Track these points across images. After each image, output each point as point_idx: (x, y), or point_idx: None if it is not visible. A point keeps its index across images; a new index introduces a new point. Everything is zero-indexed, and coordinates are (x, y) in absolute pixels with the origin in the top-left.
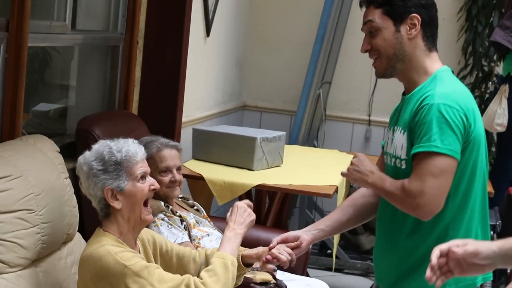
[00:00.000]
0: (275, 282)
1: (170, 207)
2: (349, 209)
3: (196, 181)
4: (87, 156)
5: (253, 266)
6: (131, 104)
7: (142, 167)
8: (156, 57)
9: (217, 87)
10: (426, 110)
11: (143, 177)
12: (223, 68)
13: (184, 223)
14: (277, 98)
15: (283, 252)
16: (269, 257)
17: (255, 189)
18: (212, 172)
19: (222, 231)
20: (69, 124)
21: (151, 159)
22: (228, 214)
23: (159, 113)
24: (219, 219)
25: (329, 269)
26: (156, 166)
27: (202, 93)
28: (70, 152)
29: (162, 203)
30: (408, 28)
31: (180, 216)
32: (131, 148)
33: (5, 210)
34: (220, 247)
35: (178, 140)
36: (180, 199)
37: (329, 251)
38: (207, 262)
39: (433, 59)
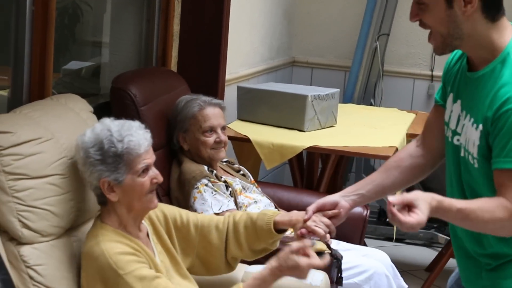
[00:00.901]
0: (330, 252)
1: (214, 171)
2: (394, 171)
3: (241, 144)
4: (85, 140)
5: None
6: (170, 60)
7: (145, 159)
8: (196, 8)
9: (264, 41)
10: (509, 117)
11: (145, 170)
12: (269, 21)
13: (230, 189)
14: (329, 53)
15: (320, 224)
16: (304, 231)
17: (306, 151)
18: (259, 134)
19: (271, 198)
20: (102, 83)
21: (193, 119)
22: (288, 255)
23: (200, 70)
24: (268, 185)
25: (389, 239)
26: (199, 126)
27: (247, 48)
28: (105, 112)
29: (206, 167)
30: (463, 4)
31: (225, 181)
32: (134, 138)
33: (36, 175)
34: (255, 279)
35: (222, 99)
36: (224, 163)
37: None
38: (236, 230)
39: (500, 29)
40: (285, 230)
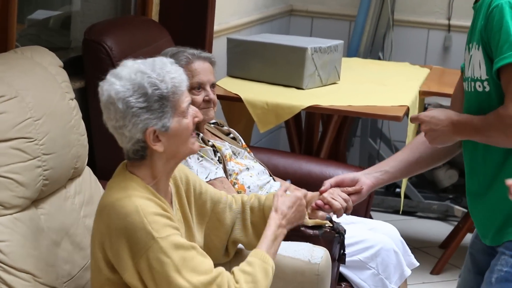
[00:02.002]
0: (331, 225)
1: (201, 135)
2: (421, 146)
3: (232, 104)
4: (119, 89)
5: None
6: (150, 8)
7: (188, 97)
8: None
9: None
10: (498, 12)
11: (187, 109)
12: None
13: (218, 154)
14: (331, 0)
15: (337, 197)
16: (319, 202)
17: (305, 112)
18: (252, 92)
19: (265, 164)
20: (73, 35)
21: None
22: (281, 199)
23: (185, 20)
24: (261, 150)
25: (398, 212)
26: None
27: None
28: (76, 68)
29: None
30: None
31: (213, 146)
32: (175, 75)
33: None
34: (262, 243)
35: (209, 53)
36: (212, 125)
37: (397, 189)
38: (243, 210)
39: None
40: None
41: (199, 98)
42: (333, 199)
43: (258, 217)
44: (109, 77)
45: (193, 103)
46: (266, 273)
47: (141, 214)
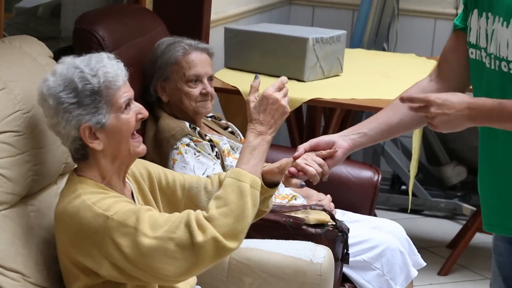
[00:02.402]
0: (333, 224)
1: (198, 129)
2: (402, 107)
3: (229, 97)
4: (51, 85)
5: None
6: None
7: (126, 92)
8: None
9: None
10: None
11: (127, 105)
12: None
13: (216, 149)
14: None
15: (311, 163)
16: (292, 169)
17: (306, 105)
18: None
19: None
20: (64, 25)
21: (176, 65)
22: (252, 104)
23: (181, 9)
24: None
25: (404, 210)
26: (182, 74)
27: None
28: None
29: (187, 123)
30: None
31: (210, 140)
32: (109, 69)
33: None
34: (239, 160)
35: (206, 43)
36: (209, 118)
37: (403, 186)
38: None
39: None
40: (277, 184)
41: (196, 91)
42: (307, 164)
43: None
44: (46, 74)
45: (190, 96)
46: (241, 191)
47: (88, 204)
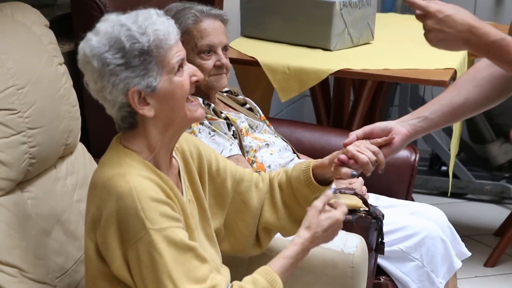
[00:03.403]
0: (366, 209)
1: (212, 105)
2: (468, 84)
3: (247, 69)
4: (94, 45)
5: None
6: None
7: (179, 52)
8: None
9: None
10: None
11: (180, 66)
12: None
13: (233, 128)
14: None
15: (364, 150)
16: (343, 157)
17: (333, 77)
18: (271, 55)
19: (287, 139)
20: None
21: (187, 34)
22: (315, 215)
23: None
24: (283, 123)
25: (445, 194)
26: (193, 44)
27: None
28: (64, 28)
29: (200, 99)
30: None
31: (226, 118)
32: (159, 27)
33: None
34: (277, 262)
35: (220, 9)
36: (225, 94)
37: (443, 167)
38: (272, 189)
39: None
40: (329, 181)
41: (209, 63)
42: (359, 152)
43: (288, 194)
44: (88, 33)
45: (202, 69)
46: None
47: (135, 197)
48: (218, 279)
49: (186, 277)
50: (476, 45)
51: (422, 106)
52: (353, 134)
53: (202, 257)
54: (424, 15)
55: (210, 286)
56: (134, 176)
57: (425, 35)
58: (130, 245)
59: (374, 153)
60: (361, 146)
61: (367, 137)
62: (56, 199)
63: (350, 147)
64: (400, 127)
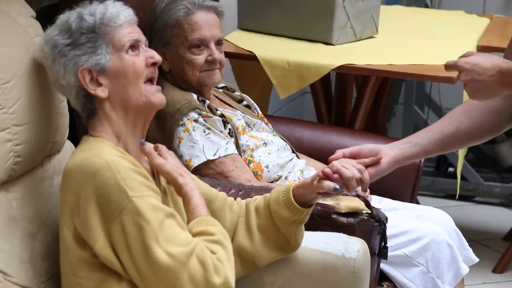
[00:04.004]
0: (369, 212)
1: (207, 102)
2: (460, 115)
3: (244, 64)
4: (48, 32)
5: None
6: None
7: (132, 33)
8: None
9: None
10: None
11: (133, 46)
12: None
13: (229, 126)
14: None
15: (350, 167)
16: (327, 170)
17: (335, 73)
18: (270, 49)
19: (286, 138)
20: None
21: (177, 27)
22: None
23: None
24: (282, 121)
25: (452, 197)
26: (184, 38)
27: None
28: (51, 19)
29: (195, 96)
30: None
31: (222, 115)
32: (110, 9)
33: None
34: (201, 208)
35: (217, 0)
36: (221, 90)
37: (450, 169)
38: (247, 212)
39: None
40: (310, 203)
41: (200, 58)
42: (344, 167)
43: (265, 217)
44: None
45: (193, 64)
46: (225, 235)
47: (113, 168)
48: (197, 240)
49: (172, 240)
50: (511, 84)
51: (416, 133)
52: (340, 152)
53: (183, 225)
54: (459, 72)
55: (194, 245)
56: (109, 154)
57: (465, 90)
58: (114, 219)
59: (359, 171)
60: (347, 163)
61: (353, 156)
62: (42, 199)
63: (335, 162)
64: (388, 149)
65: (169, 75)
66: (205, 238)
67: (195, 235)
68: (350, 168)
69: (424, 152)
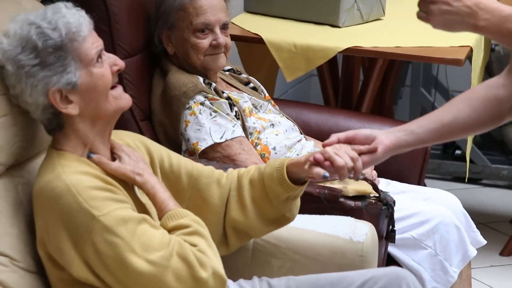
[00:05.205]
0: (377, 195)
1: (213, 84)
2: (460, 103)
3: (250, 47)
4: (6, 48)
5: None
6: None
7: (95, 43)
8: None
9: None
10: None
11: (99, 57)
12: None
13: (236, 108)
14: None
15: (343, 154)
16: (319, 156)
17: (342, 56)
18: (276, 32)
19: (292, 119)
20: None
21: (182, 11)
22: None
23: None
24: (289, 104)
25: (459, 179)
26: (189, 22)
27: None
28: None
29: (201, 78)
30: None
31: (228, 98)
32: (70, 19)
33: None
34: (169, 202)
35: None
36: (227, 72)
37: (458, 151)
38: (240, 186)
39: None
40: (305, 182)
41: (205, 42)
42: (337, 154)
43: (259, 191)
44: None
45: (197, 48)
46: (199, 222)
47: (73, 192)
48: (174, 237)
49: (150, 246)
50: (485, 21)
51: (413, 120)
52: (334, 136)
53: (156, 225)
54: None
55: (173, 244)
56: (69, 174)
57: (431, 9)
58: (85, 241)
59: (352, 159)
60: (341, 150)
61: (348, 142)
62: None
63: (328, 149)
64: (384, 137)
65: (175, 58)
66: (181, 232)
67: (170, 230)
68: (343, 156)
69: (420, 141)
